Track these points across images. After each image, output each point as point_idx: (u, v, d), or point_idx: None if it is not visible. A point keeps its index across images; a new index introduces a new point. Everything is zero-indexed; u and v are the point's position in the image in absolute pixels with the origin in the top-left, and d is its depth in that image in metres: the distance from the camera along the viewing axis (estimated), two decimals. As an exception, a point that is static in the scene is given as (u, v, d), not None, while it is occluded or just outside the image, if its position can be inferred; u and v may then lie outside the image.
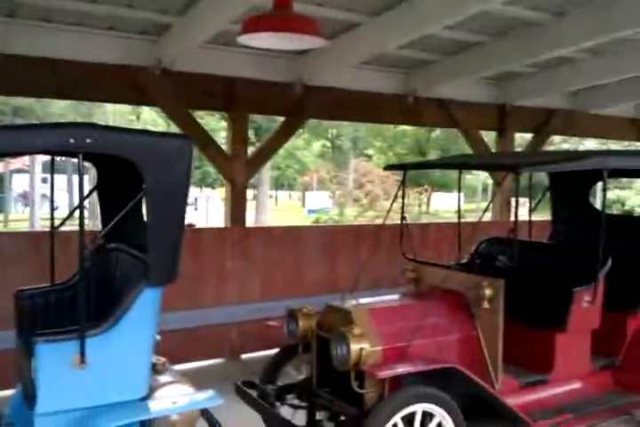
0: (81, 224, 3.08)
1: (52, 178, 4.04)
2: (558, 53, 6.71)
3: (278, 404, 4.42)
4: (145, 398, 3.22)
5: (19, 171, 30.11)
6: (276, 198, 43.77)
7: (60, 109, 30.76)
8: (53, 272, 3.93)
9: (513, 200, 5.48)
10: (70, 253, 3.64)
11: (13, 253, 5.55)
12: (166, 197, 3.21)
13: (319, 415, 4.41)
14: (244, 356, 6.80)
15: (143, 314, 3.15)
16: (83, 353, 2.95)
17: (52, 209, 4.11)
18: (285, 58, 6.76)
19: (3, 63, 5.46)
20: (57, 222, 3.90)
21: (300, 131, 32.09)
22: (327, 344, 4.03)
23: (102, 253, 3.97)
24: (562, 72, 7.78)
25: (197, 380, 3.76)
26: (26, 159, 30.17)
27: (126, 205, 3.60)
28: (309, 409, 4.40)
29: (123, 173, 3.72)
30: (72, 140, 2.89)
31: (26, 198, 30.06)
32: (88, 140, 2.91)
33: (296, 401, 4.49)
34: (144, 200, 3.23)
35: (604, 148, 24.11)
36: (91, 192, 4.39)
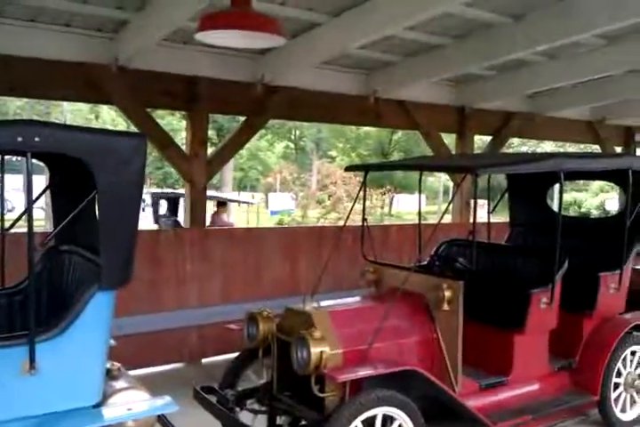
0: (30, 226, 2.96)
1: (3, 177, 3.89)
2: (516, 56, 6.79)
3: (238, 409, 4.34)
4: (98, 405, 3.11)
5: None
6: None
7: (17, 108, 30.05)
8: (3, 275, 3.79)
9: (472, 202, 5.54)
10: (22, 256, 3.53)
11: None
12: (119, 197, 3.10)
13: (280, 420, 4.36)
14: (204, 360, 6.70)
15: (96, 318, 3.04)
16: (32, 359, 2.83)
17: (2, 210, 3.95)
18: (246, 57, 6.69)
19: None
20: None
21: (263, 132, 31.99)
22: (288, 348, 3.98)
23: (54, 256, 3.85)
24: (520, 75, 7.89)
25: (156, 385, 3.66)
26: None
27: (79, 206, 3.50)
28: (270, 414, 4.34)
29: (75, 173, 3.60)
30: (20, 139, 2.76)
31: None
32: (37, 139, 2.79)
33: (256, 406, 4.41)
34: (97, 200, 3.13)
35: (562, 150, 24.60)
36: (42, 192, 4.25)
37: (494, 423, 4.20)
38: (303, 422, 4.18)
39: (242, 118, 7.40)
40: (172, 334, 6.33)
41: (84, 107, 30.92)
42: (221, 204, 12.30)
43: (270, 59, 6.65)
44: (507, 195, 6.28)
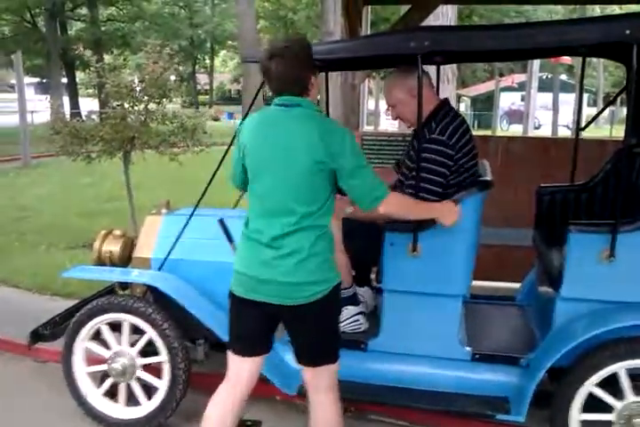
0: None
1: (582, 79, 3.99)
2: None
3: None
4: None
5: (507, 89, 31.12)
6: None
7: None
8: (573, 174, 4.04)
9: None
10: (587, 157, 3.98)
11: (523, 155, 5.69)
12: None
13: None
14: None
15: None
16: (612, 248, 2.98)
17: (580, 114, 4.20)
18: None
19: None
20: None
21: None
22: None
23: (624, 157, 3.88)
24: None
25: None
26: (516, 77, 31.00)
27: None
28: None
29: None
30: (627, 31, 2.81)
31: (510, 116, 31.14)
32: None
33: None
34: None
35: None
36: (617, 95, 4.31)
37: None
38: None
39: None
40: None
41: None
42: None
43: None
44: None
